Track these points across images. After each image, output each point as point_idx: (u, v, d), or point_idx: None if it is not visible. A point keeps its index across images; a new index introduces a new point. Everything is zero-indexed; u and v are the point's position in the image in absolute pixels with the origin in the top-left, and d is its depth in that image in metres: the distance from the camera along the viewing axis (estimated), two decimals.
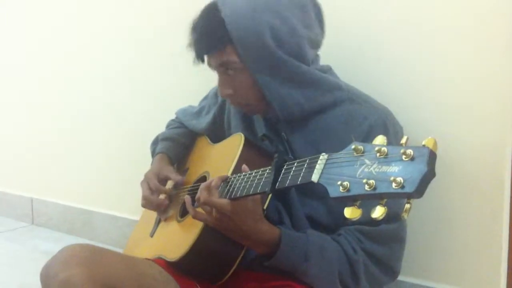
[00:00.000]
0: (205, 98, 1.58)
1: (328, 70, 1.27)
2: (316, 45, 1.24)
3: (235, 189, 1.04)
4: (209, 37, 1.16)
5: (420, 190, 0.66)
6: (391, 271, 1.18)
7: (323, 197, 1.17)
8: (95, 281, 1.06)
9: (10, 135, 2.92)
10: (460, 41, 1.34)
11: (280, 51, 1.14)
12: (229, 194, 1.05)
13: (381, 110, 1.23)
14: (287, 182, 0.89)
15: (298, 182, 0.85)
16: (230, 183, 1.07)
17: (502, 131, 1.30)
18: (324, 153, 0.82)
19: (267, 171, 0.97)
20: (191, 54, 1.22)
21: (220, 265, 1.18)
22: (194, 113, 1.58)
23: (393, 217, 1.11)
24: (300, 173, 0.85)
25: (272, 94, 1.17)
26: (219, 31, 1.14)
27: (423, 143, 0.70)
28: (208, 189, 1.07)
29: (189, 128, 1.58)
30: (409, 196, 0.67)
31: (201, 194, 1.07)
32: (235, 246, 1.15)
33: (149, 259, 1.26)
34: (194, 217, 1.12)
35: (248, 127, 1.34)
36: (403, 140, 0.72)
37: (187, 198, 1.17)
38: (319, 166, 0.81)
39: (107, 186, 2.42)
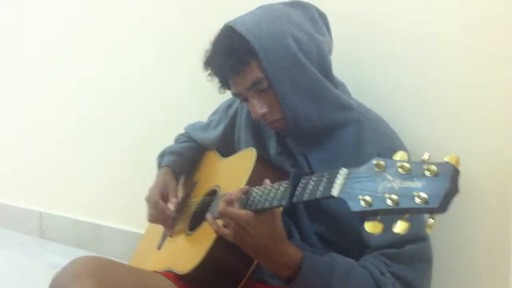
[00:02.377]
0: (215, 112, 1.59)
1: (341, 85, 1.28)
2: (331, 52, 1.25)
3: (254, 201, 1.03)
4: (234, 56, 1.15)
5: (444, 205, 0.67)
6: None
7: (332, 217, 1.18)
8: None
9: (19, 149, 2.92)
10: (460, 49, 1.36)
11: (304, 57, 1.16)
12: (247, 206, 1.04)
13: (388, 134, 1.24)
14: (305, 196, 0.89)
15: (317, 196, 0.85)
16: (249, 196, 1.06)
17: (505, 138, 1.30)
18: (343, 168, 0.83)
19: (283, 185, 0.98)
20: (212, 80, 1.25)
21: (231, 278, 1.18)
22: (202, 127, 1.59)
23: (417, 236, 1.11)
24: (319, 187, 0.86)
25: (288, 107, 1.18)
26: (243, 48, 1.14)
27: (445, 159, 0.70)
28: (228, 200, 1.06)
29: (197, 142, 1.59)
30: (433, 211, 0.68)
31: (221, 205, 1.06)
32: (246, 259, 1.14)
33: (157, 272, 1.26)
34: (216, 231, 1.11)
35: (259, 142, 1.35)
36: (425, 157, 0.73)
37: (208, 215, 1.16)
38: (339, 180, 0.81)
39: (115, 200, 2.42)
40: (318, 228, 1.21)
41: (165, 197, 1.44)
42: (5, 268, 2.43)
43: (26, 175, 2.89)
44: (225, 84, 1.25)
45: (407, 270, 1.11)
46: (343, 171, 0.82)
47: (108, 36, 2.33)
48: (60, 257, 1.15)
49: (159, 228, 1.48)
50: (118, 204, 2.40)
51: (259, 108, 1.19)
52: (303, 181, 0.92)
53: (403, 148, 1.22)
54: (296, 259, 1.04)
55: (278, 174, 1.15)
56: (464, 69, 1.36)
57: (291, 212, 1.22)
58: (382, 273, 1.09)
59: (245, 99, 1.23)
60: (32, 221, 2.83)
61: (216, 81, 1.26)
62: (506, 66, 1.29)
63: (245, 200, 1.06)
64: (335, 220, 1.17)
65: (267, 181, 1.05)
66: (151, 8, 2.10)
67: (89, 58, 2.43)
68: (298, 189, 0.92)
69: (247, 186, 1.08)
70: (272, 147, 1.29)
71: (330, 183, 0.83)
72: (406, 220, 0.71)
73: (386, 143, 1.19)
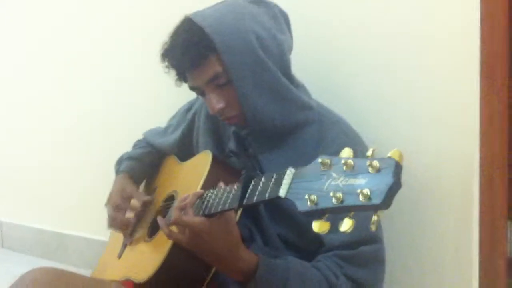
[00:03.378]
0: (173, 117, 1.56)
1: (301, 86, 1.27)
2: (291, 51, 1.24)
3: (208, 205, 1.01)
4: (193, 49, 1.12)
5: (387, 201, 0.66)
6: None
7: (289, 218, 1.17)
8: None
9: None
10: (428, 53, 1.37)
11: (265, 56, 1.14)
12: (202, 211, 1.02)
13: (349, 134, 1.23)
14: (255, 198, 0.87)
15: (266, 198, 0.84)
16: (203, 199, 1.04)
17: (470, 139, 1.31)
18: (291, 167, 0.81)
19: (234, 187, 0.96)
20: (168, 73, 1.21)
21: (190, 285, 1.15)
22: (160, 132, 1.56)
23: (370, 238, 1.11)
24: (267, 189, 0.84)
25: (248, 104, 1.16)
26: (203, 41, 1.12)
27: (388, 154, 0.69)
28: (182, 207, 1.03)
29: (156, 147, 1.56)
30: (376, 208, 0.66)
31: (174, 212, 1.03)
32: (205, 265, 1.12)
33: (117, 281, 1.23)
34: (169, 237, 1.07)
35: (217, 144, 1.33)
36: (369, 152, 0.72)
37: (159, 218, 1.13)
38: (286, 180, 0.80)
39: (80, 208, 2.37)
40: (280, 230, 1.20)
41: (125, 201, 1.41)
42: None
43: None
44: (182, 77, 1.22)
45: (360, 271, 1.10)
46: (290, 171, 0.81)
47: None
48: (24, 267, 1.12)
49: (120, 236, 1.45)
50: (83, 213, 2.36)
51: (216, 103, 1.17)
52: (253, 183, 0.91)
53: (363, 147, 1.21)
54: (251, 264, 1.03)
55: (235, 176, 1.13)
56: (425, 69, 1.38)
57: (252, 215, 1.20)
58: (336, 275, 1.08)
59: (202, 93, 1.21)
60: None
61: (172, 73, 1.22)
62: (468, 67, 1.30)
63: (199, 204, 1.04)
64: (293, 221, 1.16)
65: (221, 184, 1.03)
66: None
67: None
68: (248, 191, 0.91)
69: (202, 190, 1.06)
70: (229, 149, 1.27)
71: (278, 184, 0.82)
72: (351, 217, 0.70)
73: (348, 143, 1.18)
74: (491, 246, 1.28)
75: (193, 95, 1.34)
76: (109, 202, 1.41)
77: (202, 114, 1.40)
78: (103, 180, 1.56)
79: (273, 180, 0.84)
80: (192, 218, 1.00)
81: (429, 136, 1.37)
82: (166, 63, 1.20)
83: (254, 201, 0.88)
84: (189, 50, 1.13)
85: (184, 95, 1.55)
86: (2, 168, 2.73)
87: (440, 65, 1.35)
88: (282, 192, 0.79)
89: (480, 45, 1.27)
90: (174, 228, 1.07)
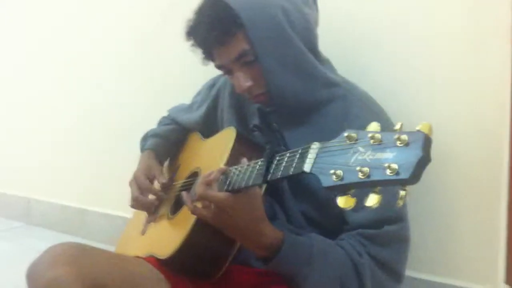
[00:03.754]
0: (198, 93, 1.55)
1: (326, 62, 1.24)
2: (317, 25, 1.21)
3: (232, 181, 0.99)
4: (219, 26, 1.10)
5: (415, 176, 0.63)
6: (397, 275, 1.12)
7: (313, 196, 1.15)
8: (83, 280, 1.03)
9: (6, 135, 2.90)
10: (461, 40, 1.33)
11: (291, 31, 1.12)
12: (226, 187, 1.00)
13: (374, 109, 1.20)
14: (279, 173, 0.86)
15: (291, 173, 0.82)
16: (228, 176, 1.02)
17: (500, 125, 1.28)
18: (316, 142, 0.79)
19: (259, 163, 0.94)
20: (196, 55, 1.19)
21: (213, 262, 1.15)
22: (185, 109, 1.55)
23: (395, 217, 1.09)
24: (293, 164, 0.83)
25: (274, 81, 1.14)
26: (229, 18, 1.09)
27: (417, 127, 0.67)
28: (207, 182, 1.01)
29: (181, 124, 1.55)
30: (404, 183, 0.64)
31: (199, 187, 1.01)
32: (228, 242, 1.12)
33: (140, 257, 1.23)
34: (193, 212, 1.06)
35: (241, 120, 1.32)
36: (397, 126, 0.70)
37: (184, 193, 1.12)
38: (311, 155, 0.78)
39: (102, 185, 2.39)
40: (303, 208, 1.18)
41: (150, 181, 1.40)
42: None
43: (13, 161, 2.87)
44: (208, 55, 1.20)
45: (384, 251, 1.09)
46: (315, 145, 0.79)
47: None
48: (47, 242, 1.12)
49: (144, 213, 1.46)
50: (105, 190, 2.38)
51: (244, 81, 1.15)
52: (278, 158, 0.89)
53: (388, 123, 1.19)
54: (276, 240, 1.02)
55: (259, 152, 1.11)
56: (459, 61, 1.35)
57: (275, 192, 1.19)
58: (359, 254, 1.07)
59: (228, 72, 1.19)
60: (20, 206, 2.82)
61: (199, 52, 1.20)
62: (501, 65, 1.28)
63: (224, 180, 1.02)
64: (317, 198, 1.15)
65: (244, 160, 1.01)
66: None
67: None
68: (273, 166, 0.89)
69: (225, 166, 1.04)
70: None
71: (303, 159, 0.80)
72: (378, 193, 0.68)
73: (373, 118, 1.15)
74: None
75: (198, 85, 1.32)
76: (133, 181, 1.41)
77: (226, 90, 1.38)
78: (127, 159, 1.57)
79: (298, 155, 0.82)
80: (217, 193, 0.99)
81: (458, 122, 1.35)
82: (192, 42, 1.18)
83: (278, 177, 0.86)
84: (215, 27, 1.10)
85: (186, 92, 1.56)
86: (28, 145, 2.77)
87: (474, 54, 1.32)
88: (307, 167, 0.78)
89: None
90: (198, 204, 1.06)
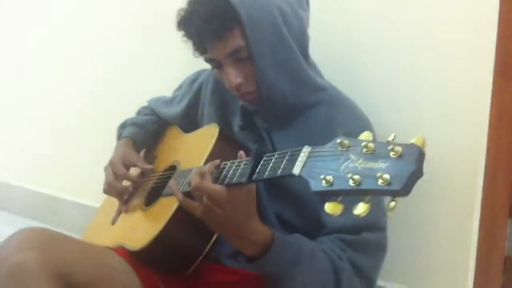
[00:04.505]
0: (179, 87, 1.53)
1: (313, 66, 1.25)
2: (308, 27, 1.22)
3: (221, 177, 0.97)
4: (217, 19, 1.08)
5: (407, 188, 0.64)
6: (369, 282, 1.12)
7: (292, 198, 1.15)
8: (49, 267, 1.01)
9: None
10: (439, 47, 1.35)
11: (287, 32, 1.12)
12: (218, 181, 0.97)
13: (360, 117, 1.22)
14: (266, 173, 0.86)
15: (278, 174, 0.82)
16: (221, 170, 0.99)
17: (477, 134, 1.30)
18: (307, 146, 0.80)
19: (244, 161, 0.94)
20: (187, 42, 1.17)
21: (185, 257, 1.14)
22: (165, 101, 1.53)
23: (374, 225, 1.10)
24: (280, 165, 0.83)
25: (265, 81, 1.13)
26: (228, 13, 1.08)
27: (412, 141, 0.68)
28: (202, 174, 0.97)
29: (160, 116, 1.53)
30: (396, 194, 0.65)
31: (194, 178, 0.96)
32: (203, 238, 1.11)
33: (109, 248, 1.21)
34: (182, 203, 1.03)
35: (223, 117, 1.31)
36: (391, 138, 0.70)
37: (172, 182, 1.09)
38: (301, 158, 0.78)
39: (73, 172, 2.35)
40: (279, 209, 1.18)
41: (126, 168, 1.38)
42: None
43: None
44: (200, 48, 1.18)
45: (362, 257, 1.09)
46: (306, 149, 0.79)
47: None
48: (15, 228, 1.10)
49: (115, 202, 1.43)
50: (76, 177, 2.33)
51: (235, 77, 1.14)
52: (265, 158, 0.89)
53: (373, 132, 1.19)
54: (266, 238, 1.00)
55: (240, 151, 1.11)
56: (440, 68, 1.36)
57: None
58: (340, 258, 1.07)
59: (218, 66, 1.18)
60: None
61: (190, 44, 1.18)
62: (480, 62, 1.29)
63: (216, 174, 0.99)
64: (298, 201, 1.15)
65: (242, 153, 0.99)
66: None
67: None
68: (259, 166, 0.89)
69: (219, 160, 1.01)
70: (236, 124, 1.25)
71: (292, 161, 0.80)
72: (367, 202, 0.68)
73: (358, 124, 1.17)
74: (490, 242, 1.28)
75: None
76: (109, 166, 1.38)
77: (209, 85, 1.37)
78: (101, 147, 1.54)
79: (287, 156, 0.82)
80: (214, 185, 0.95)
81: (437, 128, 1.36)
82: (184, 32, 1.16)
83: (264, 177, 0.86)
84: (212, 21, 1.09)
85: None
86: (3, 128, 2.69)
87: (455, 60, 1.33)
88: (296, 170, 0.78)
89: (497, 41, 1.26)
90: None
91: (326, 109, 1.19)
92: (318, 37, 1.27)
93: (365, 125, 1.18)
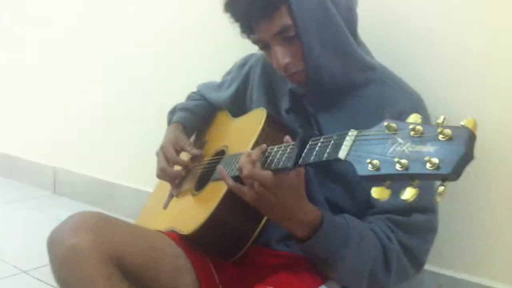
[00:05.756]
0: (228, 72, 1.53)
1: (362, 44, 1.22)
2: (357, 5, 1.19)
3: (267, 162, 0.97)
4: None
5: (456, 172, 0.62)
6: (418, 263, 1.11)
7: (343, 180, 1.14)
8: (102, 250, 1.05)
9: (37, 105, 2.93)
10: (497, 25, 1.30)
11: (335, 10, 1.09)
12: (266, 166, 0.97)
13: (413, 95, 1.18)
14: (312, 158, 0.85)
15: (324, 158, 0.81)
16: (267, 156, 0.99)
17: None
18: (353, 129, 0.78)
19: (290, 146, 0.93)
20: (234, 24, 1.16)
21: (235, 241, 1.15)
22: (215, 86, 1.54)
23: (425, 207, 1.08)
24: (326, 150, 0.81)
25: (312, 60, 1.11)
26: None
27: (462, 123, 0.65)
28: (253, 162, 0.96)
29: (209, 101, 1.54)
30: (445, 178, 0.63)
31: (245, 166, 0.96)
32: (252, 222, 1.11)
33: (161, 231, 1.24)
34: (233, 189, 1.03)
35: (271, 101, 1.30)
36: (440, 120, 0.68)
37: (220, 168, 1.09)
38: (347, 142, 0.77)
39: (129, 159, 2.41)
40: (328, 195, 1.17)
41: (177, 152, 1.39)
42: (16, 221, 2.47)
43: (43, 131, 2.90)
44: (247, 29, 1.16)
45: (412, 239, 1.08)
46: (352, 133, 0.78)
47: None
48: (73, 212, 1.14)
49: (167, 187, 1.46)
50: (132, 163, 2.40)
51: (282, 57, 1.12)
52: (311, 143, 0.88)
53: (426, 111, 1.16)
54: (316, 218, 0.99)
55: (289, 135, 1.10)
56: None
57: None
58: (389, 238, 1.06)
59: (265, 47, 1.16)
60: (46, 175, 2.84)
61: (237, 25, 1.16)
62: None
63: (263, 160, 0.99)
64: (348, 183, 1.13)
65: (288, 138, 0.98)
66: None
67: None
68: (305, 150, 0.88)
69: (265, 145, 1.01)
70: (284, 107, 1.24)
71: (338, 145, 0.78)
72: (415, 186, 0.66)
73: (410, 103, 1.13)
74: None
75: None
76: (160, 151, 1.40)
77: (257, 69, 1.36)
78: (156, 135, 1.56)
79: (332, 141, 0.81)
80: (265, 171, 0.95)
81: (493, 109, 1.31)
82: (230, 14, 1.15)
83: (310, 161, 0.85)
84: (259, 0, 1.07)
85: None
86: (58, 116, 2.79)
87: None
88: (342, 154, 0.76)
89: None
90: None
91: (377, 88, 1.16)
92: (370, 16, 1.24)
93: (418, 105, 1.15)
